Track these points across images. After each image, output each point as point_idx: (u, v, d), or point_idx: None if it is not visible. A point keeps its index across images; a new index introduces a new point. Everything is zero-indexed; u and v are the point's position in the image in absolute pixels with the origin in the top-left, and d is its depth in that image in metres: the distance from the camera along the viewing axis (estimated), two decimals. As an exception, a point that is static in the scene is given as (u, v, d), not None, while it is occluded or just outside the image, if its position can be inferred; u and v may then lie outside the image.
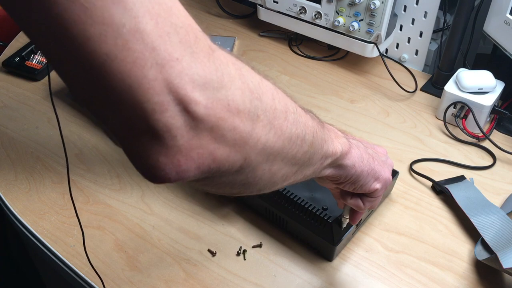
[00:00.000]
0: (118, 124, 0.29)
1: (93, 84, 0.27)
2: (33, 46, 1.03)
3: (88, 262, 0.63)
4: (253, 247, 0.69)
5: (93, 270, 0.64)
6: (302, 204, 0.65)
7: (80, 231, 0.63)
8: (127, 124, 0.28)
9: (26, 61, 1.01)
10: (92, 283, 0.65)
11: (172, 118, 0.28)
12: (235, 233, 0.71)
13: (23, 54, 1.01)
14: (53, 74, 1.03)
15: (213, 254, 0.68)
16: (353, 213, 0.58)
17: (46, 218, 0.74)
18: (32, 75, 0.99)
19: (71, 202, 0.75)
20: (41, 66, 1.00)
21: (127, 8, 0.26)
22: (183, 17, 0.29)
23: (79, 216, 0.73)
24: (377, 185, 0.50)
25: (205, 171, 0.31)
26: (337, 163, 0.45)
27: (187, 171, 0.30)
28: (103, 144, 0.86)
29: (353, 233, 0.70)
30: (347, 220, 0.61)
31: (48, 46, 0.27)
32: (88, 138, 0.87)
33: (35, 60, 1.01)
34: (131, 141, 0.29)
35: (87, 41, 0.26)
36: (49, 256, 0.70)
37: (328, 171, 0.45)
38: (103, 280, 0.63)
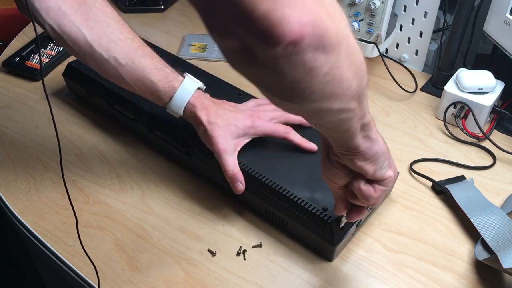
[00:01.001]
0: None
1: None
2: (33, 46, 1.03)
3: (81, 246, 0.62)
4: (253, 247, 0.69)
5: (94, 271, 0.64)
6: (302, 204, 0.65)
7: (83, 231, 0.62)
8: None
9: (26, 61, 1.01)
10: (92, 283, 0.65)
11: None
12: (235, 233, 0.71)
13: (23, 54, 1.01)
14: (53, 74, 1.04)
15: (213, 254, 0.68)
16: (351, 211, 0.57)
17: (46, 218, 0.74)
18: (32, 75, 0.99)
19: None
20: (41, 66, 1.00)
21: None
22: None
23: (80, 216, 0.74)
24: (390, 173, 0.52)
25: (315, 31, 0.33)
26: (367, 131, 0.47)
27: (305, 25, 0.32)
28: (103, 144, 0.86)
29: (353, 233, 0.70)
30: (346, 220, 0.61)
31: None
32: (88, 138, 0.87)
33: (35, 60, 1.01)
34: (259, 1, 0.30)
35: None
36: (49, 256, 0.70)
37: (361, 141, 0.47)
38: (105, 282, 0.63)
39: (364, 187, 0.52)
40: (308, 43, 0.33)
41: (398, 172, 0.71)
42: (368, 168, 0.50)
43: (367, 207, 0.59)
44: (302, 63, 0.34)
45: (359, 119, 0.44)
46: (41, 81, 0.99)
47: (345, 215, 0.59)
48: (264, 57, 0.34)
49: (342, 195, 0.56)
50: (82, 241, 0.70)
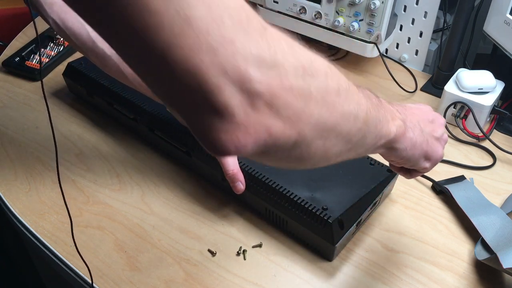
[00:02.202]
0: (182, 105, 0.31)
1: (157, 71, 0.29)
2: (33, 46, 1.03)
3: (99, 270, 0.62)
4: (253, 247, 0.69)
5: (94, 271, 0.64)
6: (302, 204, 0.65)
7: (83, 232, 0.63)
8: (190, 105, 0.30)
9: (26, 61, 1.01)
10: (92, 283, 0.65)
11: (229, 97, 0.29)
12: (235, 233, 0.71)
13: (23, 54, 1.01)
14: (53, 74, 1.04)
15: (213, 254, 0.68)
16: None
17: (46, 218, 0.74)
18: (32, 75, 0.99)
19: (71, 202, 0.76)
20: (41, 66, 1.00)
21: None
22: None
23: (79, 216, 0.74)
24: (426, 164, 0.53)
25: (262, 145, 0.32)
26: (389, 145, 0.46)
27: (245, 146, 0.31)
28: (103, 144, 0.86)
29: (353, 233, 0.70)
30: None
31: (113, 41, 0.30)
32: (88, 138, 0.87)
33: (35, 60, 1.01)
34: (195, 120, 0.31)
35: (147, 31, 0.28)
36: (49, 256, 0.70)
37: (380, 151, 0.46)
38: (97, 270, 0.63)
39: (399, 172, 0.56)
40: (252, 150, 0.32)
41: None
42: (397, 164, 0.52)
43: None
44: (259, 158, 0.35)
45: (365, 150, 0.43)
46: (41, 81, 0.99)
47: None
48: None
49: None
50: (82, 241, 0.70)
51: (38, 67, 0.99)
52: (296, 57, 0.32)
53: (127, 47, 0.29)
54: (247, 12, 0.30)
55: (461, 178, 0.76)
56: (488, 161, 0.82)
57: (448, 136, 0.86)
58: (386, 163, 0.71)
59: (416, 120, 0.51)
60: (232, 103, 0.30)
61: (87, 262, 0.64)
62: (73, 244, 0.70)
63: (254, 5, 1.08)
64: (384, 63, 0.94)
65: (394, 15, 0.92)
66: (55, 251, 0.69)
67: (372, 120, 0.40)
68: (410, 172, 0.56)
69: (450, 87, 0.85)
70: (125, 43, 0.29)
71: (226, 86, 0.29)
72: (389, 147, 0.46)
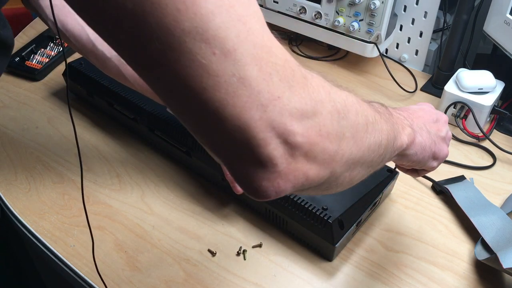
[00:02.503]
0: (229, 156, 0.33)
1: (208, 126, 0.31)
2: (33, 46, 1.03)
3: (95, 269, 0.62)
4: (253, 247, 0.69)
5: (94, 271, 0.64)
6: (302, 204, 0.65)
7: (83, 232, 0.63)
8: (236, 156, 0.32)
9: (26, 61, 1.01)
10: (92, 283, 0.65)
11: (274, 150, 0.32)
12: (235, 233, 0.71)
13: (23, 54, 1.01)
14: (53, 74, 1.04)
15: (213, 254, 0.68)
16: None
17: (46, 218, 0.74)
18: (32, 75, 0.99)
19: (71, 202, 0.76)
20: (41, 66, 1.00)
21: (236, 59, 0.29)
22: (281, 54, 0.32)
23: (79, 216, 0.74)
24: (434, 164, 0.55)
25: (299, 187, 0.34)
26: (402, 153, 0.48)
27: (284, 191, 0.34)
28: (103, 144, 0.86)
29: (353, 233, 0.70)
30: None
31: (169, 99, 0.32)
32: (88, 138, 0.87)
33: (35, 60, 1.01)
34: (239, 169, 0.33)
35: (203, 91, 0.30)
36: (49, 256, 0.70)
37: (396, 158, 0.48)
38: (105, 283, 0.63)
39: (407, 172, 0.58)
40: (290, 192, 0.34)
41: (398, 173, 0.72)
42: (407, 166, 0.55)
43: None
44: (303, 192, 0.37)
45: (382, 165, 0.45)
46: (41, 81, 0.99)
47: None
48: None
49: None
50: (83, 241, 0.70)
51: (38, 67, 0.99)
52: (332, 102, 0.34)
53: (181, 103, 0.31)
54: (291, 66, 0.32)
55: (461, 178, 0.76)
56: (488, 161, 0.82)
57: (448, 136, 0.86)
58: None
59: (422, 122, 0.52)
60: (276, 155, 0.32)
61: (87, 262, 0.64)
62: (74, 244, 0.70)
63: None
64: (384, 63, 0.94)
65: (394, 15, 0.92)
66: (55, 251, 0.69)
67: (391, 141, 0.43)
68: (418, 171, 0.59)
69: (450, 87, 0.85)
70: (179, 101, 0.31)
71: (272, 140, 0.31)
72: (401, 155, 0.48)
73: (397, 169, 0.67)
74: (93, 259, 0.60)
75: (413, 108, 0.55)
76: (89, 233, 0.71)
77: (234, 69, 0.29)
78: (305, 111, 0.32)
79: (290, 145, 0.32)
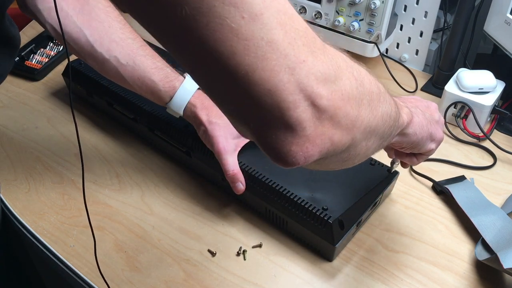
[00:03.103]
0: (258, 122, 0.34)
1: (237, 92, 0.32)
2: (32, 46, 1.03)
3: (96, 268, 0.62)
4: (253, 247, 0.69)
5: (94, 271, 0.64)
6: (302, 204, 0.65)
7: (82, 232, 0.63)
8: (266, 122, 0.33)
9: (26, 61, 1.01)
10: (92, 283, 0.65)
11: (302, 112, 0.33)
12: (235, 233, 0.71)
13: (22, 54, 1.01)
14: (53, 74, 1.04)
15: (213, 254, 0.68)
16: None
17: (46, 218, 0.73)
18: (32, 75, 0.99)
19: (71, 202, 0.76)
20: (41, 66, 1.00)
21: (263, 23, 0.30)
22: (301, 22, 0.33)
23: (79, 217, 0.74)
24: (432, 146, 0.56)
25: (324, 153, 0.36)
26: (402, 132, 0.49)
27: (312, 156, 0.35)
28: (103, 144, 0.86)
29: (353, 233, 0.70)
30: (397, 165, 0.68)
31: (197, 69, 0.33)
32: (88, 138, 0.87)
33: (34, 60, 1.01)
34: (268, 135, 0.34)
35: (233, 55, 0.30)
36: (49, 256, 0.70)
37: (394, 139, 0.49)
38: (108, 282, 0.63)
39: (407, 158, 0.59)
40: (317, 158, 0.36)
41: (398, 172, 0.72)
42: (407, 150, 0.56)
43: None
44: (314, 165, 0.38)
45: (387, 142, 0.47)
46: (40, 81, 0.99)
47: (397, 162, 0.66)
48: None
49: (389, 147, 0.61)
50: (82, 241, 0.70)
51: (38, 67, 0.99)
52: (350, 69, 0.36)
53: (209, 71, 0.32)
54: (311, 33, 0.34)
55: (462, 178, 0.76)
56: (488, 161, 0.82)
57: (449, 136, 0.86)
58: (386, 163, 0.71)
59: (415, 105, 0.54)
60: (304, 118, 0.33)
61: (87, 262, 0.64)
62: (74, 244, 0.70)
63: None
64: (385, 63, 0.94)
65: (394, 15, 0.92)
66: (54, 251, 0.69)
67: (397, 114, 0.45)
68: (417, 157, 0.60)
69: (450, 87, 0.85)
70: (208, 68, 0.32)
71: (300, 103, 0.32)
72: (401, 134, 0.50)
73: (396, 161, 0.67)
74: (95, 259, 0.60)
75: (403, 97, 0.57)
76: (90, 233, 0.71)
77: (262, 32, 0.30)
78: (328, 75, 0.33)
79: (317, 108, 0.33)
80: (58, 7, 0.64)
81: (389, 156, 0.66)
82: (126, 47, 0.67)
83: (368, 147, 0.41)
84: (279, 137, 0.34)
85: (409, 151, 0.57)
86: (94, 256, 0.67)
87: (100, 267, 0.63)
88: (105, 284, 0.64)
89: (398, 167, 0.71)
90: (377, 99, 0.39)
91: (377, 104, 0.39)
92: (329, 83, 0.33)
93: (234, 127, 0.37)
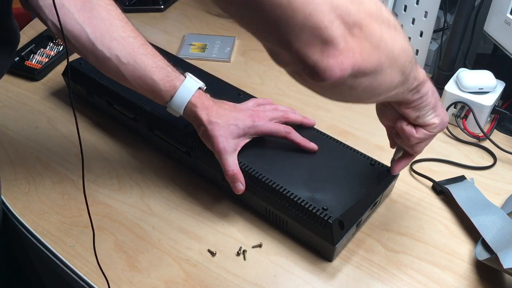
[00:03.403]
0: (300, 43, 0.39)
1: (281, 19, 0.38)
2: (33, 46, 1.03)
3: (96, 266, 0.62)
4: (253, 247, 0.69)
5: (94, 271, 0.64)
6: (302, 204, 0.65)
7: (83, 232, 0.63)
8: (307, 42, 0.39)
9: (26, 61, 1.01)
10: (92, 283, 0.65)
11: (336, 29, 0.38)
12: (235, 233, 0.71)
13: (22, 54, 1.01)
14: (53, 74, 1.03)
15: (213, 254, 0.68)
16: (402, 159, 0.67)
17: (46, 218, 0.73)
18: (31, 75, 0.99)
19: (71, 202, 0.76)
20: (41, 66, 1.00)
21: None
22: None
23: (79, 216, 0.74)
24: (435, 120, 0.58)
25: (356, 68, 0.41)
26: (417, 88, 0.53)
27: (346, 69, 0.40)
28: (103, 144, 0.86)
29: (353, 233, 0.70)
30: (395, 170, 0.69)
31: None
32: (88, 138, 0.87)
33: (34, 60, 1.01)
34: (310, 54, 0.39)
35: None
36: (49, 256, 0.70)
37: (409, 96, 0.53)
38: (108, 281, 0.63)
39: (407, 127, 0.59)
40: (348, 77, 0.41)
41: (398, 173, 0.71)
42: (411, 113, 0.57)
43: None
44: (342, 87, 0.43)
45: (406, 91, 0.51)
46: (40, 81, 0.99)
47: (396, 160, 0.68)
48: (313, 83, 0.43)
49: (390, 133, 0.66)
50: (82, 241, 0.70)
51: (38, 67, 0.99)
52: None
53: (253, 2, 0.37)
54: None
55: (462, 178, 0.76)
56: (488, 161, 0.82)
57: (449, 136, 0.86)
58: (386, 163, 0.71)
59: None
60: (338, 34, 0.39)
61: (87, 262, 0.64)
62: (74, 244, 0.70)
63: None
64: (384, 63, 0.93)
65: (394, 15, 0.92)
66: (54, 251, 0.69)
67: (413, 56, 0.48)
68: (417, 130, 0.60)
69: (450, 87, 0.85)
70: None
71: (334, 21, 0.38)
72: (417, 90, 0.53)
73: (396, 128, 0.66)
74: (93, 249, 0.59)
75: None
76: (90, 233, 0.71)
77: None
78: None
79: (347, 25, 0.39)
80: (59, 4, 0.64)
81: (391, 145, 0.68)
82: (127, 45, 0.67)
83: (392, 79, 0.45)
84: (318, 54, 0.39)
85: (413, 117, 0.57)
86: (94, 257, 0.67)
87: (100, 267, 0.63)
88: (105, 284, 0.64)
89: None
90: (394, 28, 0.43)
91: (394, 32, 0.43)
92: (355, 3, 0.39)
93: (273, 55, 0.43)
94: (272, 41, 0.41)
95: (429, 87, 0.55)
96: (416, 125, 0.59)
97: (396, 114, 0.60)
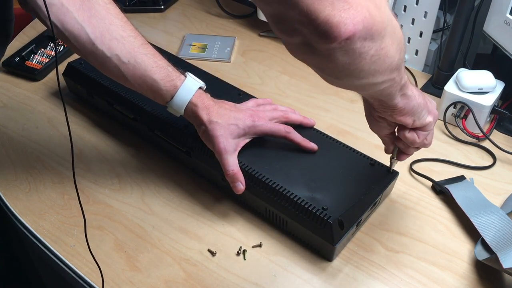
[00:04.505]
0: (309, 1, 0.39)
1: None
2: (33, 46, 1.03)
3: (90, 253, 0.62)
4: (253, 247, 0.69)
5: (94, 271, 0.64)
6: (302, 204, 0.65)
7: (83, 232, 0.62)
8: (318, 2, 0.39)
9: (26, 61, 1.01)
10: (92, 283, 0.65)
11: None
12: (235, 233, 0.71)
13: (23, 54, 1.01)
14: (53, 74, 1.04)
15: (213, 254, 0.68)
16: (400, 153, 0.67)
17: (46, 218, 0.74)
18: (32, 75, 0.99)
19: (71, 202, 0.76)
20: (41, 66, 1.00)
21: None
22: None
23: (79, 216, 0.73)
24: (430, 118, 0.60)
25: (365, 25, 0.41)
26: (404, 90, 0.54)
27: (358, 23, 0.40)
28: (103, 144, 0.86)
29: (353, 233, 0.70)
30: (396, 162, 0.68)
31: None
32: (88, 138, 0.87)
33: (35, 60, 1.01)
34: (319, 8, 0.39)
35: None
36: (49, 256, 0.70)
37: (399, 100, 0.55)
38: (103, 275, 0.63)
39: (409, 134, 0.61)
40: (359, 36, 0.41)
41: (398, 173, 0.72)
42: (407, 120, 0.58)
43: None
44: (353, 51, 0.42)
45: (398, 84, 0.52)
46: (41, 81, 0.99)
47: (395, 158, 0.67)
48: (322, 49, 0.42)
49: (389, 141, 0.66)
50: (83, 241, 0.70)
51: (38, 67, 0.99)
52: None
53: None
54: None
55: (461, 178, 0.76)
56: (488, 161, 0.82)
57: (448, 136, 0.86)
58: (386, 163, 0.71)
59: None
60: None
61: (87, 262, 0.64)
62: (74, 244, 0.70)
63: (254, 5, 1.07)
64: (384, 63, 0.94)
65: (394, 15, 0.92)
66: (55, 251, 0.69)
67: (405, 47, 0.49)
68: (418, 133, 0.61)
69: (450, 87, 0.85)
70: None
71: None
72: (403, 94, 0.54)
73: (394, 162, 0.69)
74: (85, 237, 0.59)
75: None
76: (90, 233, 0.71)
77: None
78: None
79: None
80: (58, 3, 0.64)
81: (387, 151, 0.68)
82: (127, 45, 0.67)
83: (393, 55, 0.46)
84: (329, 8, 0.39)
85: (410, 122, 0.58)
86: (95, 255, 0.67)
87: (101, 267, 0.63)
88: (105, 284, 0.64)
89: (397, 166, 0.71)
90: (398, 33, 0.46)
91: (396, 35, 0.45)
92: None
93: (278, 23, 0.42)
94: (280, 0, 0.41)
95: (413, 89, 0.56)
96: (415, 129, 0.61)
97: (391, 124, 0.61)
